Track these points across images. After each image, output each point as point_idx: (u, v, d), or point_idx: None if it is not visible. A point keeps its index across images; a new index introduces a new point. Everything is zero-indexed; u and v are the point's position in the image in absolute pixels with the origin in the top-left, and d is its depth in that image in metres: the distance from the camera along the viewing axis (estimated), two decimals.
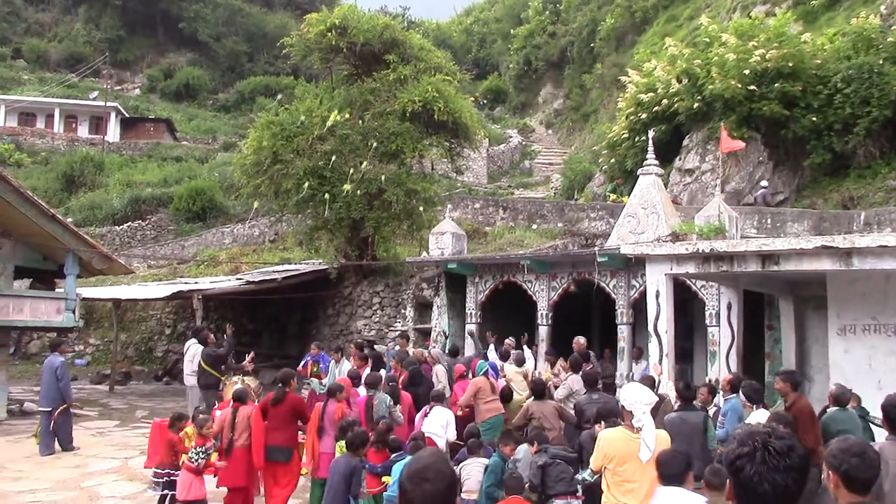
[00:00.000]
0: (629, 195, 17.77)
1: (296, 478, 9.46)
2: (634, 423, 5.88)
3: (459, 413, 10.52)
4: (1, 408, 16.89)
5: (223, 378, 13.26)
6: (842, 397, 8.29)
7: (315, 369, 14.28)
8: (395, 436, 9.01)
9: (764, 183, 19.99)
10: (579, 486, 7.43)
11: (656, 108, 22.01)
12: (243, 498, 9.28)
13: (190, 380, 14.26)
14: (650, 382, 8.99)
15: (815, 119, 19.45)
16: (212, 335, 14.55)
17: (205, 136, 50.73)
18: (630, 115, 23.23)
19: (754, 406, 8.42)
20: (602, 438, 6.17)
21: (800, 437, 7.58)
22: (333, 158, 19.43)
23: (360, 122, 20.26)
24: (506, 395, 11.04)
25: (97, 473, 12.01)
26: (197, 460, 8.54)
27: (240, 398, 9.64)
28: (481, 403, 10.60)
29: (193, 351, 14.27)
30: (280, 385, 9.57)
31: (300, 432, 9.72)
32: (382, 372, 12.48)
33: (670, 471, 4.72)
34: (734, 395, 9.12)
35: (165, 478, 9.14)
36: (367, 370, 12.35)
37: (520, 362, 12.27)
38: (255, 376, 13.55)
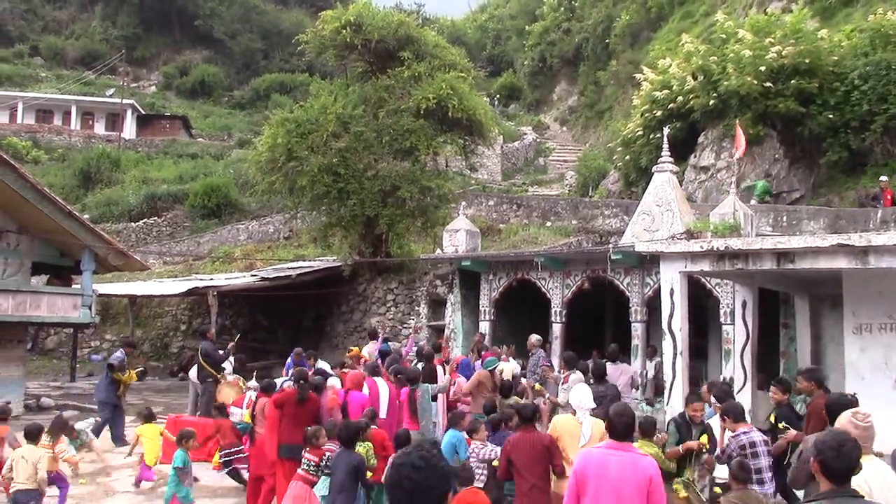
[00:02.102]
0: (643, 193, 17.71)
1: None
2: (577, 418, 7.66)
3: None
4: (18, 403, 17.04)
5: (219, 375, 13.59)
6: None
7: None
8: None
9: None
10: None
11: (671, 105, 21.91)
12: (268, 486, 9.45)
13: (194, 374, 14.58)
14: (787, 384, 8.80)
15: (831, 116, 19.30)
16: (212, 330, 14.78)
17: (220, 133, 50.96)
18: (645, 113, 23.14)
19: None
20: (555, 420, 7.84)
21: (807, 433, 7.61)
22: (348, 155, 19.48)
23: (375, 119, 20.29)
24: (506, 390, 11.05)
25: (113, 468, 12.10)
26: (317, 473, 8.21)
27: (266, 389, 9.85)
28: (479, 397, 10.95)
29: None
30: (302, 383, 9.65)
31: None
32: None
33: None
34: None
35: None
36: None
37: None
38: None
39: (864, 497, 3.66)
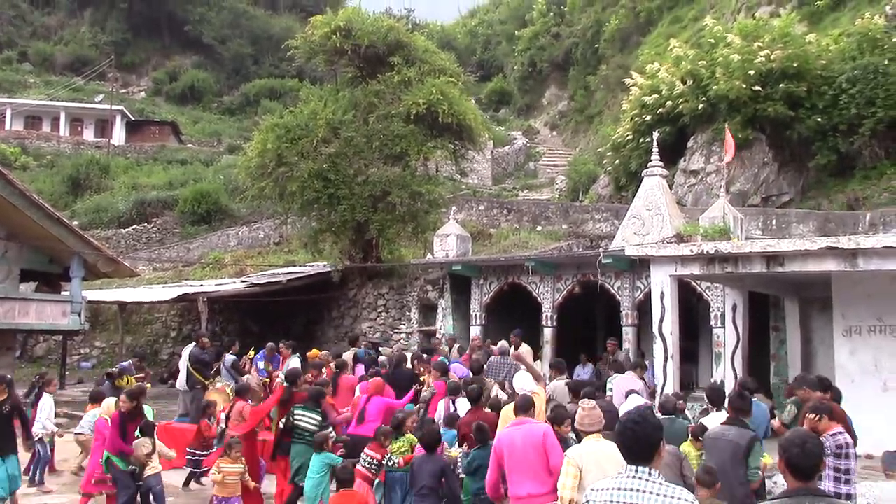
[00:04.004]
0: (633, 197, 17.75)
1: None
2: None
3: None
4: None
5: (207, 382, 13.59)
6: (667, 405, 8.68)
7: (268, 367, 14.50)
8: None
9: None
10: None
11: (661, 109, 21.96)
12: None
13: (181, 383, 14.51)
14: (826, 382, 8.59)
15: (820, 120, 19.38)
16: (205, 338, 14.76)
17: (210, 139, 50.78)
18: (634, 117, 23.18)
19: (714, 408, 8.26)
20: (506, 408, 8.17)
21: None
22: (338, 161, 19.44)
23: (365, 124, 20.26)
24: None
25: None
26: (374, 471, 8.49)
27: (239, 393, 10.02)
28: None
29: (187, 354, 14.58)
30: (287, 385, 10.00)
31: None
32: None
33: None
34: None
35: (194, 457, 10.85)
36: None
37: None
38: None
39: (829, 497, 3.89)
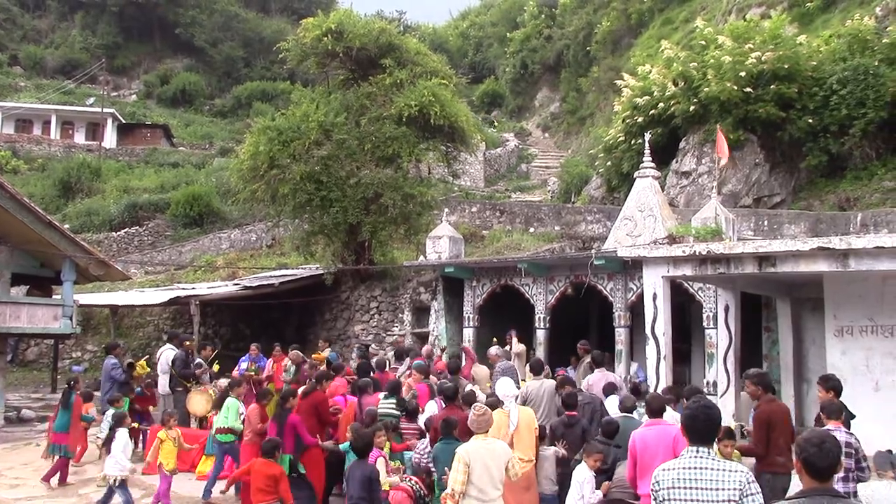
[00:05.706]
0: (626, 198, 17.78)
1: (320, 466, 9.89)
2: (504, 408, 8.58)
3: None
4: None
5: (189, 385, 13.59)
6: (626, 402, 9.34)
7: (253, 368, 14.33)
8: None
9: None
10: None
11: (652, 111, 22.00)
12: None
13: (162, 386, 14.47)
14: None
15: (811, 121, 19.44)
16: (188, 341, 14.73)
17: (201, 142, 50.64)
18: (626, 119, 23.22)
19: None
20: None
21: (753, 440, 8.07)
22: (330, 163, 19.42)
23: (357, 126, 20.24)
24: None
25: (95, 480, 11.98)
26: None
27: (258, 398, 10.47)
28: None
29: (166, 356, 14.54)
30: (312, 380, 10.76)
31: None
32: None
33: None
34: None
35: None
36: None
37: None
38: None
39: (846, 498, 4.04)
